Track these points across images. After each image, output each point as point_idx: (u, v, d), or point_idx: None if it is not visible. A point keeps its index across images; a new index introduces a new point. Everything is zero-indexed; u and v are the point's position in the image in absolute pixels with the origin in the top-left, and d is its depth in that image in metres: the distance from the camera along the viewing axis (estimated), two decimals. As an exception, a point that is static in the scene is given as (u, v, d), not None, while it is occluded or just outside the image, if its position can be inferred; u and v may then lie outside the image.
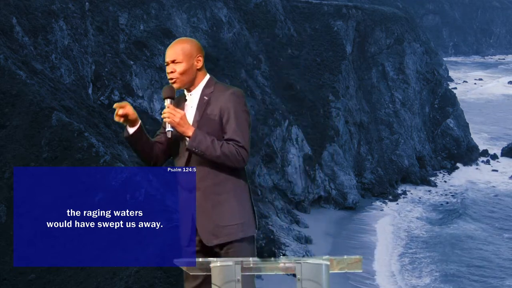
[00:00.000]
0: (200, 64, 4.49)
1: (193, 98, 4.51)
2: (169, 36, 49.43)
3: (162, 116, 4.34)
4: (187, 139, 4.34)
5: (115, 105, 4.33)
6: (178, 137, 4.40)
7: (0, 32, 37.07)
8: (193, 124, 4.37)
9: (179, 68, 4.45)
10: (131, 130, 4.35)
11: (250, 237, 4.42)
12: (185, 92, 4.55)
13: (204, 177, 4.35)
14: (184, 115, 4.31)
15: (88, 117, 35.40)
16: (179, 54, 4.45)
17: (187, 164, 4.39)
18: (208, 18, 54.42)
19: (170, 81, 4.50)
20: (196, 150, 4.27)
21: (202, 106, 4.42)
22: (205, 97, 4.44)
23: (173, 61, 4.46)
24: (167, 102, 4.38)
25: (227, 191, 4.37)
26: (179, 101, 4.52)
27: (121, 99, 43.70)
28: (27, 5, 40.52)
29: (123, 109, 4.29)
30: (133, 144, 4.41)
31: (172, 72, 4.47)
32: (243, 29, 57.12)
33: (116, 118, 4.32)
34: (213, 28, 54.37)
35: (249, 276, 4.07)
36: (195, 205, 4.39)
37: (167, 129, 4.34)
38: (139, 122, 4.37)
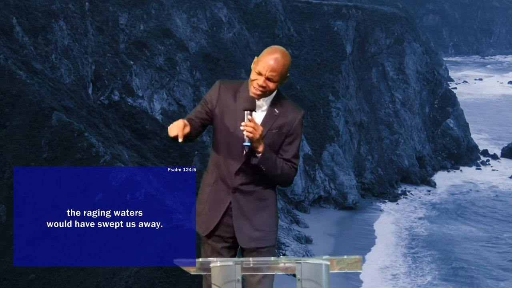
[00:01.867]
0: (284, 82, 4.44)
1: (261, 104, 4.45)
2: (169, 36, 49.43)
3: (243, 129, 4.23)
4: (247, 142, 4.31)
5: (176, 130, 4.18)
6: (236, 141, 4.38)
7: (0, 32, 37.07)
8: None
9: (271, 85, 4.36)
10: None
11: (274, 245, 4.57)
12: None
13: (250, 182, 4.43)
14: (262, 130, 4.27)
15: (88, 117, 35.40)
16: (278, 74, 4.33)
17: (240, 169, 4.42)
18: (208, 18, 54.41)
19: (255, 90, 4.38)
20: (262, 166, 4.33)
21: (272, 118, 4.42)
22: (276, 110, 4.43)
23: (268, 78, 4.33)
24: (248, 114, 4.28)
25: (270, 199, 4.50)
26: (234, 90, 4.47)
27: (121, 99, 43.71)
28: (27, 5, 40.51)
29: (185, 130, 4.21)
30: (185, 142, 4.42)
31: (264, 87, 4.35)
32: (243, 29, 57.12)
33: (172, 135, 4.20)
34: (213, 28, 54.36)
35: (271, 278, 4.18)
36: (232, 205, 4.45)
37: (245, 144, 4.26)
38: (189, 126, 4.29)
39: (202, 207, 4.51)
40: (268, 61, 4.31)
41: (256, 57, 4.45)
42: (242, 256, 4.49)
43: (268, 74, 4.31)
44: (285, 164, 4.39)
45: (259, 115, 4.42)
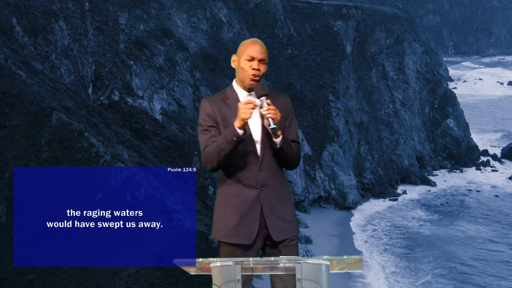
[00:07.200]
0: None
1: (252, 98, 4.50)
2: (169, 36, 49.43)
3: (265, 113, 4.31)
4: (255, 136, 4.44)
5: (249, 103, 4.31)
6: (248, 140, 4.43)
7: (0, 32, 37.07)
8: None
9: (263, 68, 4.53)
10: (241, 131, 4.34)
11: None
12: (245, 91, 4.55)
13: (272, 175, 4.51)
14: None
15: (88, 117, 35.41)
16: (266, 56, 4.53)
17: (261, 163, 4.48)
18: (208, 18, 54.41)
19: (252, 77, 4.48)
20: (284, 147, 4.43)
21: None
22: (266, 99, 4.51)
23: (260, 60, 4.49)
24: (265, 99, 4.37)
25: (287, 190, 4.63)
26: (221, 100, 4.53)
27: (121, 99, 43.70)
28: (27, 5, 40.51)
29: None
30: (235, 147, 4.38)
31: (258, 69, 4.49)
32: (243, 29, 57.12)
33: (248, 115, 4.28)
34: (213, 28, 54.36)
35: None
36: (262, 203, 4.49)
37: (271, 127, 4.33)
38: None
39: (235, 219, 4.45)
40: (256, 46, 4.47)
41: (234, 55, 4.58)
42: (265, 255, 4.47)
43: (260, 56, 4.46)
44: (293, 144, 4.52)
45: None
